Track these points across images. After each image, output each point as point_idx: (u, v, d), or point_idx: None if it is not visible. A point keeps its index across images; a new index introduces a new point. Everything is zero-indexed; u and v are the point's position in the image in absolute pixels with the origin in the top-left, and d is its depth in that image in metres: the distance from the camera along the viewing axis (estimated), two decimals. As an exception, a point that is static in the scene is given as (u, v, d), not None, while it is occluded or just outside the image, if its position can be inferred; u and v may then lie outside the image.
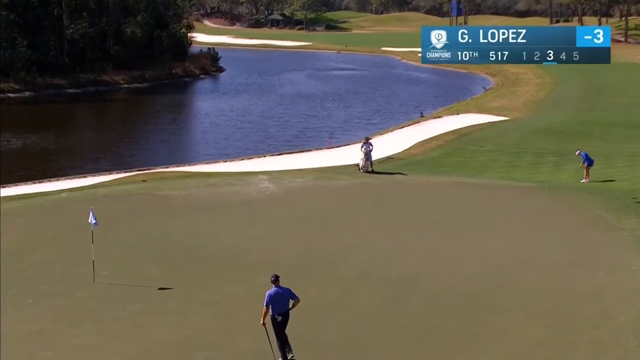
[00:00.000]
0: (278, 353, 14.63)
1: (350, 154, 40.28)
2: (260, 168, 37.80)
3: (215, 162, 42.71)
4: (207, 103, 76.69)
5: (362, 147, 34.57)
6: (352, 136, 53.96)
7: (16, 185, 36.57)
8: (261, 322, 14.53)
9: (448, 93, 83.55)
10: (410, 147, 42.58)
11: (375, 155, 35.80)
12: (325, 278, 19.41)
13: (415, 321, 16.65)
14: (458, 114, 59.01)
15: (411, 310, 17.31)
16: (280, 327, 14.53)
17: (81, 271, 20.05)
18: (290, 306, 14.60)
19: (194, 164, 42.23)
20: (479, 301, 17.76)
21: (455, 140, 44.25)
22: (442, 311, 17.21)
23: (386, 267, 20.19)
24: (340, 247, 22.17)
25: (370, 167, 34.05)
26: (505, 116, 56.54)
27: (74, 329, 16.50)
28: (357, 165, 34.57)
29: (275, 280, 14.50)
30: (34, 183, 37.13)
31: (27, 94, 78.47)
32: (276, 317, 14.44)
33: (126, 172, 39.50)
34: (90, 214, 19.49)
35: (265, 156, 44.52)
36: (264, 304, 14.38)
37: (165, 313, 17.30)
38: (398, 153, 40.67)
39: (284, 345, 14.59)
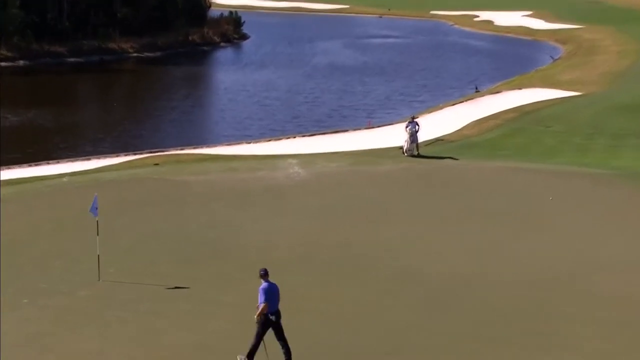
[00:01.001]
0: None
1: (392, 135, 40.22)
2: (288, 151, 38.12)
3: (238, 144, 43.06)
4: (227, 76, 76.87)
5: (406, 127, 34.70)
6: (394, 115, 53.87)
7: (10, 168, 36.76)
8: (256, 318, 14.87)
9: (509, 64, 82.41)
10: (463, 127, 42.48)
11: (422, 137, 35.92)
12: (364, 278, 19.55)
13: (468, 330, 16.65)
14: (520, 88, 58.51)
15: (463, 317, 17.30)
16: (275, 327, 14.92)
17: (84, 267, 20.27)
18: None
19: (213, 146, 42.50)
20: (542, 308, 17.70)
21: (516, 119, 43.85)
22: (500, 319, 17.16)
23: (434, 267, 20.30)
24: (380, 242, 22.35)
25: (415, 150, 34.11)
26: (578, 91, 55.65)
27: (75, 333, 16.67)
28: (401, 148, 34.74)
29: (265, 274, 14.98)
30: (31, 166, 37.38)
31: (21, 62, 78.14)
32: (270, 316, 14.82)
33: (136, 154, 39.77)
34: (93, 202, 19.50)
35: (294, 137, 44.77)
36: (261, 300, 14.77)
37: (178, 315, 17.45)
38: (449, 134, 40.62)
39: (286, 344, 14.92)
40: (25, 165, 37.88)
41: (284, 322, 14.85)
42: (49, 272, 20.31)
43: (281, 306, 14.78)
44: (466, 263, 20.45)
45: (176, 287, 18.91)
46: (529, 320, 17.02)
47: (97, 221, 19.65)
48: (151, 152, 39.94)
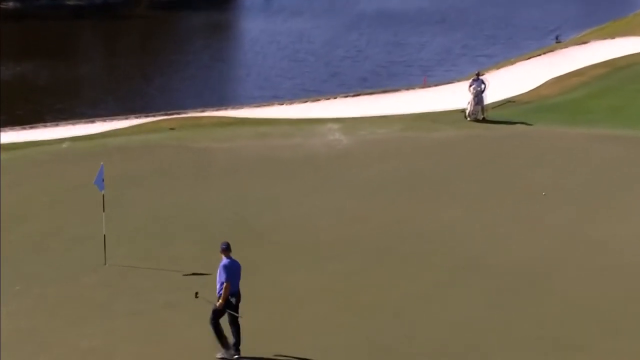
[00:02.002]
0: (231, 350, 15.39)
1: (453, 96, 40.00)
2: (328, 114, 38.18)
3: (268, 105, 43.09)
4: (254, 24, 76.99)
5: (470, 86, 34.52)
6: (455, 72, 53.49)
7: (1, 131, 36.82)
8: (218, 303, 15.22)
9: (599, 8, 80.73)
10: (540, 85, 41.96)
11: (489, 98, 35.67)
12: (418, 266, 19.63)
13: (544, 330, 16.52)
14: (613, 37, 56.67)
15: (538, 314, 17.20)
16: (234, 311, 15.32)
17: (88, 249, 20.45)
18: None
19: (239, 108, 42.61)
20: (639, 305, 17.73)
21: (607, 76, 42.88)
22: (585, 319, 16.98)
23: (502, 253, 20.31)
24: (438, 223, 22.40)
25: (481, 113, 34.09)
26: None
27: (77, 327, 16.75)
28: (464, 111, 34.50)
29: (227, 248, 15.40)
30: (24, 129, 37.67)
31: (10, 4, 78.23)
32: (229, 297, 15.24)
33: (148, 116, 39.94)
34: (99, 172, 19.60)
35: (335, 98, 44.72)
36: (222, 279, 15.17)
37: (196, 306, 16.92)
38: (522, 94, 40.13)
39: (238, 332, 15.42)
40: (18, 127, 38.18)
41: (329, 316, 14.94)
42: (45, 255, 20.40)
43: (324, 298, 14.91)
44: (541, 250, 20.35)
45: (195, 274, 18.91)
46: (620, 322, 16.77)
47: (103, 195, 19.81)
48: (166, 115, 40.07)
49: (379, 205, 23.86)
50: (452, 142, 30.72)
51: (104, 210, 19.86)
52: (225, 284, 15.16)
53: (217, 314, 15.46)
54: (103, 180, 19.66)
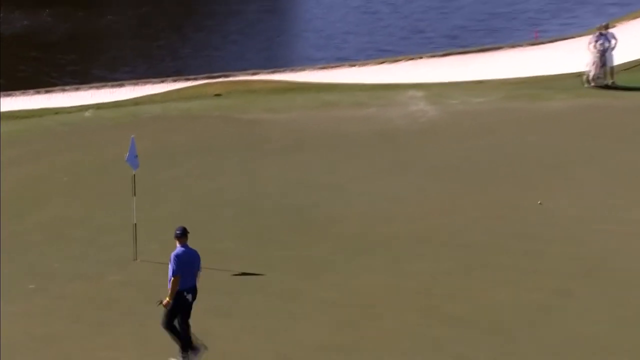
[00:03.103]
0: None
1: (570, 56, 39.50)
2: (410, 79, 38.15)
3: (334, 68, 43.29)
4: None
5: (595, 42, 33.69)
6: (576, 25, 52.46)
7: (11, 95, 37.64)
8: (165, 301, 15.50)
9: None
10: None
11: (619, 58, 34.97)
12: (523, 269, 19.41)
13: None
14: None
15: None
16: (187, 310, 15.68)
17: (115, 241, 20.69)
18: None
19: (299, 70, 42.96)
20: None
21: None
22: None
23: (635, 258, 19.91)
24: (549, 218, 22.17)
25: (608, 77, 33.55)
26: None
27: (101, 334, 16.78)
28: (583, 75, 34.10)
29: (182, 235, 15.65)
30: (39, 93, 38.40)
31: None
32: (184, 294, 15.54)
33: (188, 79, 40.53)
34: (130, 147, 19.66)
35: (420, 58, 44.62)
36: (171, 273, 15.43)
37: (248, 314, 17.55)
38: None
39: (188, 333, 15.67)
40: (31, 91, 38.76)
41: (411, 328, 14.80)
42: (65, 248, 20.62)
43: (404, 306, 14.79)
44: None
45: (245, 274, 19.15)
46: None
47: (134, 176, 19.94)
48: (210, 78, 40.51)
49: (472, 192, 23.71)
50: (568, 114, 30.26)
51: (134, 194, 19.93)
52: (173, 279, 15.37)
53: (169, 315, 15.60)
54: (136, 157, 19.79)
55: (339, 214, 22.52)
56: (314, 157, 26.83)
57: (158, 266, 19.36)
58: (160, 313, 15.63)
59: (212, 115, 31.22)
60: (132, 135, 20.48)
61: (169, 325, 15.66)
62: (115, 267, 19.78)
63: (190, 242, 20.42)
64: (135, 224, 19.94)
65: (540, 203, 22.57)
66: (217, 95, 35.01)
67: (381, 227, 21.65)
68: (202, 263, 18.69)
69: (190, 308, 15.72)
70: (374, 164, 26.08)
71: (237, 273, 19.30)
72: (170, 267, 15.49)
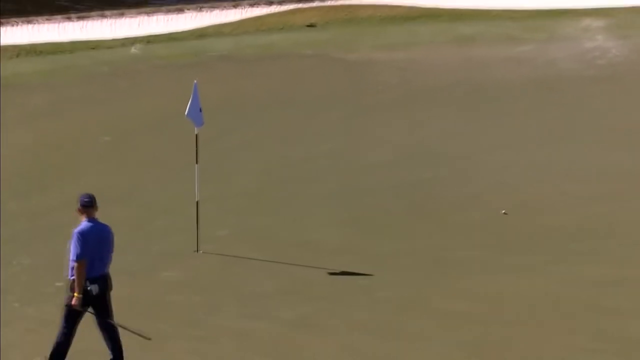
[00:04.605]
0: None
1: None
2: (583, 3, 37.60)
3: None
4: None
5: None
6: None
7: (32, 22, 38.34)
8: (74, 299, 14.90)
9: None
10: None
11: None
12: None
13: None
14: None
15: None
16: (99, 305, 15.11)
17: (170, 224, 20.93)
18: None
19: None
20: None
21: None
22: None
23: None
24: None
25: None
26: None
27: (153, 349, 15.88)
28: None
29: (89, 204, 15.07)
30: (70, 20, 38.94)
31: None
32: (88, 286, 14.90)
33: (272, 3, 40.63)
34: (192, 96, 19.57)
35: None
36: (73, 257, 14.84)
37: (346, 329, 16.86)
38: None
39: (116, 339, 15.24)
40: (58, 17, 39.10)
41: (578, 349, 14.72)
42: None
43: (565, 319, 15.10)
44: None
45: (346, 273, 18.86)
46: None
47: (197, 136, 19.64)
48: (300, 2, 40.65)
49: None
50: None
51: (197, 161, 19.59)
52: (77, 264, 14.71)
53: (69, 317, 14.95)
54: (200, 111, 19.53)
55: (474, 195, 22.35)
56: (441, 114, 26.66)
57: (228, 261, 19.48)
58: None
59: (302, 53, 31.56)
60: (195, 80, 19.95)
61: (65, 330, 15.04)
62: (169, 260, 19.40)
63: (271, 229, 20.98)
64: (198, 201, 19.55)
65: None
66: (310, 25, 35.54)
67: (535, 215, 21.23)
68: (287, 257, 19.47)
69: (106, 304, 15.09)
70: (529, 126, 25.90)
71: (334, 272, 18.93)
72: (72, 249, 14.77)
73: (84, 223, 14.89)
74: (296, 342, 16.37)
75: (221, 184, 22.23)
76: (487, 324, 16.82)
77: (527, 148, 24.68)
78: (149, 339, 15.16)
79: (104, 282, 15.01)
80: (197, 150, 19.84)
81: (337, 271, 19.04)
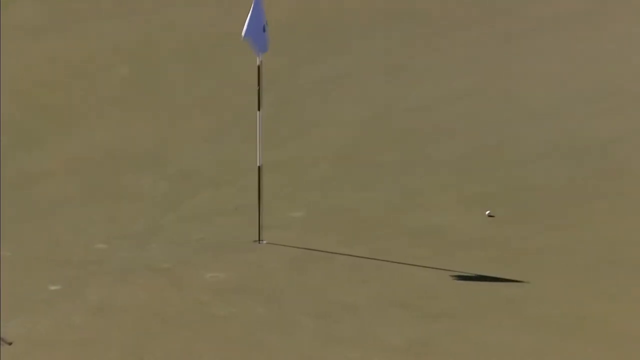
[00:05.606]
0: None
1: None
2: None
3: None
4: None
5: None
6: None
7: None
8: None
9: None
10: None
11: None
12: None
13: None
14: None
15: None
16: None
17: (220, 201, 20.25)
18: None
19: None
20: None
21: None
22: None
23: None
24: None
25: None
26: None
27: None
28: None
29: None
30: None
31: None
32: None
33: None
34: (252, 11, 18.47)
35: None
36: None
37: (500, 352, 15.45)
38: None
39: None
40: None
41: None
42: (124, 212, 20.14)
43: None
44: None
45: (482, 278, 17.75)
46: None
47: (259, 67, 18.21)
48: None
49: None
50: None
51: (259, 108, 17.99)
52: None
53: None
54: (265, 30, 18.33)
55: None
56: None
57: (302, 256, 18.30)
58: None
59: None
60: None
61: None
62: (216, 254, 18.18)
63: (365, 209, 20.41)
64: (261, 168, 17.97)
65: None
66: None
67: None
68: (391, 252, 19.26)
69: None
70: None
71: (464, 275, 18.12)
72: None
73: None
74: (369, 339, 16.19)
75: (295, 143, 21.40)
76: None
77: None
78: (9, 343, 15.18)
79: None
80: (259, 90, 18.56)
81: (469, 274, 18.34)
